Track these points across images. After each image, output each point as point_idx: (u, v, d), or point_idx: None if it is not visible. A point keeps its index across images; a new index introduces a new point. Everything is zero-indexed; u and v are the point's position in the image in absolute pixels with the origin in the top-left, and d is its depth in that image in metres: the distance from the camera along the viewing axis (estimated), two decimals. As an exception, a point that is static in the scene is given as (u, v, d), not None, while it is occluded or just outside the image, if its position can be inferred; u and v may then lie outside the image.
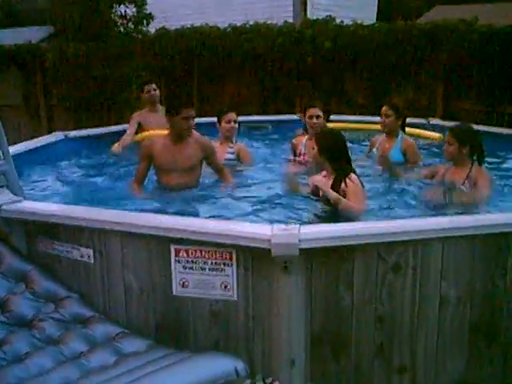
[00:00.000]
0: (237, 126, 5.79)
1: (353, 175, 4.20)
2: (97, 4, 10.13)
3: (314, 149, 4.43)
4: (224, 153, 5.61)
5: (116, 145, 6.45)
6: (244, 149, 5.82)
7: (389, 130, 5.69)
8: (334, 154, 4.31)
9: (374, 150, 5.82)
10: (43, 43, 14.22)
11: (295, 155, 5.73)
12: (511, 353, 3.38)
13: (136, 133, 6.79)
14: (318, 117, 5.46)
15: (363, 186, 4.25)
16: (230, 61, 11.08)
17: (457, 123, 5.26)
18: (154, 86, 7.01)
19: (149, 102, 7.00)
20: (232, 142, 5.76)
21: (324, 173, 4.39)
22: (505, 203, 4.48)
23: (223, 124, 5.66)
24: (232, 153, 5.67)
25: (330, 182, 4.22)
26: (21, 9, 25.55)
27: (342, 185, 4.15)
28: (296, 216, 4.21)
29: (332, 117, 6.16)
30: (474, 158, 4.59)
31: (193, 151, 4.81)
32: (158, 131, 6.36)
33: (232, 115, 5.65)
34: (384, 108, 5.71)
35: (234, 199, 4.68)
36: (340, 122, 7.02)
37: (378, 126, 5.87)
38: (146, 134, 6.65)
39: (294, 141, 5.88)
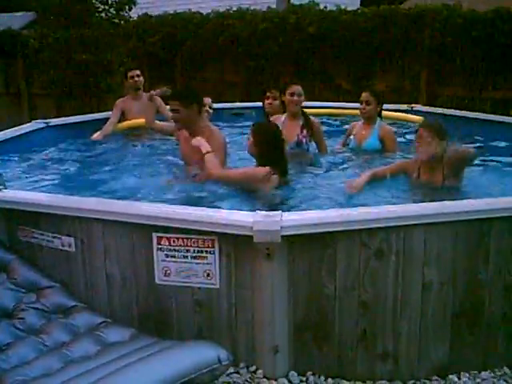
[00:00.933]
0: (211, 111, 5.84)
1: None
2: (77, -11, 10.03)
3: (249, 139, 4.39)
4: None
5: (97, 133, 6.39)
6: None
7: (368, 117, 5.59)
8: (264, 151, 4.30)
9: (352, 137, 5.73)
10: (24, 30, 14.04)
11: None
12: (493, 338, 3.41)
13: (119, 121, 6.73)
14: (299, 95, 5.33)
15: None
16: (213, 47, 11.04)
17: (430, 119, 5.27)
18: (138, 72, 6.90)
19: (132, 88, 6.89)
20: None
21: None
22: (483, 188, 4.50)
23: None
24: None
25: None
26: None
27: None
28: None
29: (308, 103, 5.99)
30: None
31: None
32: (140, 120, 6.34)
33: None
34: (364, 95, 5.59)
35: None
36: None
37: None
38: (128, 123, 6.66)
39: (271, 118, 5.57)
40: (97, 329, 3.22)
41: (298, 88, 5.33)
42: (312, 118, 5.52)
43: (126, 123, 6.67)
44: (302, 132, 5.33)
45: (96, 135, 6.40)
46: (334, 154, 5.66)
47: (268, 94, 5.99)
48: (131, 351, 2.93)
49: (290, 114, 5.39)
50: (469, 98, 9.21)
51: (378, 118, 5.62)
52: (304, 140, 5.34)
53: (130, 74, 6.89)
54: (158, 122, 6.17)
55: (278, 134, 4.42)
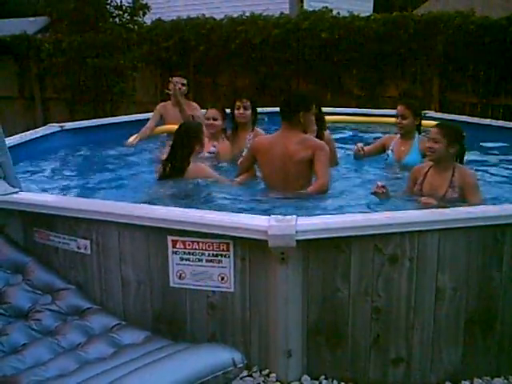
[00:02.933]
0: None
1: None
2: (92, -6, 10.12)
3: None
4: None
5: (133, 137, 6.39)
6: None
7: (405, 132, 5.21)
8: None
9: (389, 152, 5.40)
10: (38, 34, 14.16)
11: None
12: (506, 344, 3.40)
13: (157, 125, 6.71)
14: (245, 108, 5.44)
15: None
16: (226, 52, 11.08)
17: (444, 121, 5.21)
18: (184, 81, 6.73)
19: (173, 95, 6.61)
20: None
21: None
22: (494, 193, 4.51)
23: None
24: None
25: None
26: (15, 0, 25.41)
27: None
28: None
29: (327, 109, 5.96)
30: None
31: None
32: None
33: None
34: (399, 108, 5.19)
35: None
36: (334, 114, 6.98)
37: (376, 119, 5.75)
38: (165, 127, 6.61)
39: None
40: (111, 331, 3.24)
41: (242, 102, 5.45)
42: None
43: (164, 127, 6.67)
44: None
45: (132, 139, 6.40)
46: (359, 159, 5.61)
47: (238, 103, 5.54)
48: (145, 353, 2.95)
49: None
50: (481, 105, 9.21)
51: (416, 132, 5.26)
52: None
53: (174, 79, 6.69)
54: None
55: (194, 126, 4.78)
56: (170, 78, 6.73)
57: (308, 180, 4.50)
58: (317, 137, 4.94)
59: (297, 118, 4.44)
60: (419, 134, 5.27)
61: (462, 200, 4.07)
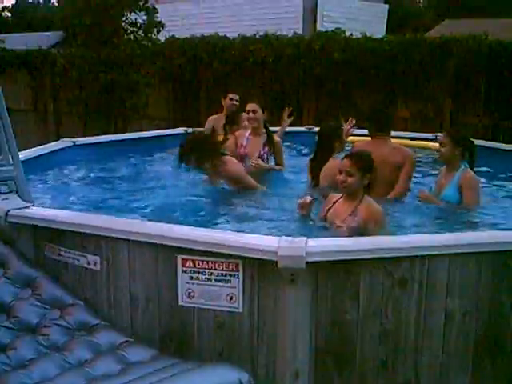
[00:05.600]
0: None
1: None
2: (107, 11, 10.21)
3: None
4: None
5: None
6: None
7: (445, 161, 4.88)
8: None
9: (434, 183, 5.13)
10: (53, 49, 14.30)
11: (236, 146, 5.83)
12: (515, 370, 3.38)
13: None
14: (254, 112, 5.71)
15: None
16: (239, 70, 11.13)
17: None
18: (237, 97, 7.20)
19: (230, 109, 7.05)
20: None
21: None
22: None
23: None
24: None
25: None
26: (32, 14, 25.74)
27: None
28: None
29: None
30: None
31: None
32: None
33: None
34: (440, 135, 5.21)
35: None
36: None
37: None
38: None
39: (236, 133, 6.00)
40: (119, 348, 3.24)
41: (253, 105, 5.70)
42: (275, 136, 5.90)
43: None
44: (263, 148, 5.69)
45: None
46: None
47: (231, 95, 6.94)
48: (152, 372, 2.95)
49: (252, 131, 5.81)
50: (492, 127, 9.21)
51: (464, 165, 4.79)
52: (265, 156, 5.70)
53: (230, 95, 7.22)
54: None
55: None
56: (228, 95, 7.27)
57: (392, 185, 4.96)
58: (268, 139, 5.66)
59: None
60: (471, 168, 4.84)
61: (364, 230, 3.92)
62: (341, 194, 4.17)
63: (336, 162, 4.59)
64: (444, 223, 4.54)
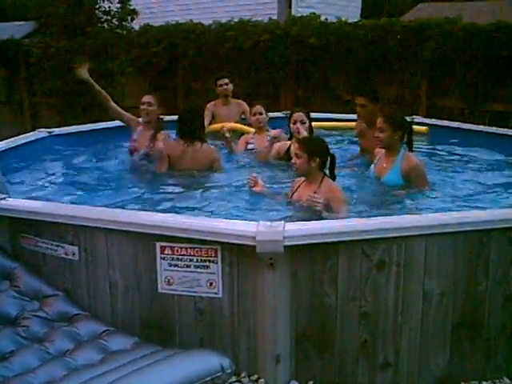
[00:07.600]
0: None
1: None
2: (80, 0, 10.11)
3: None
4: None
5: None
6: None
7: (385, 146, 4.76)
8: None
9: (372, 165, 4.98)
10: (26, 39, 14.11)
11: None
12: (494, 349, 3.43)
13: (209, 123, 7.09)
14: (261, 113, 6.18)
15: None
16: (215, 57, 11.06)
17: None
18: (226, 80, 7.45)
19: (222, 95, 7.46)
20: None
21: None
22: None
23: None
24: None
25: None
26: (3, 4, 25.37)
27: None
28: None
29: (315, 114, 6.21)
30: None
31: None
32: (233, 124, 6.96)
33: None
34: (378, 120, 4.72)
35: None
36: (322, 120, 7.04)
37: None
38: (219, 125, 6.83)
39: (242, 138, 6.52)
40: (100, 337, 3.24)
41: (258, 107, 6.23)
42: None
43: (217, 125, 6.92)
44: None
45: None
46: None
47: (219, 82, 7.33)
48: (134, 359, 2.96)
49: (258, 130, 6.34)
50: (469, 110, 9.26)
51: (403, 148, 4.76)
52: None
53: (219, 82, 7.46)
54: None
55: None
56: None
57: None
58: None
59: None
60: (410, 150, 4.81)
61: (327, 210, 4.06)
62: (303, 178, 4.43)
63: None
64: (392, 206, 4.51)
